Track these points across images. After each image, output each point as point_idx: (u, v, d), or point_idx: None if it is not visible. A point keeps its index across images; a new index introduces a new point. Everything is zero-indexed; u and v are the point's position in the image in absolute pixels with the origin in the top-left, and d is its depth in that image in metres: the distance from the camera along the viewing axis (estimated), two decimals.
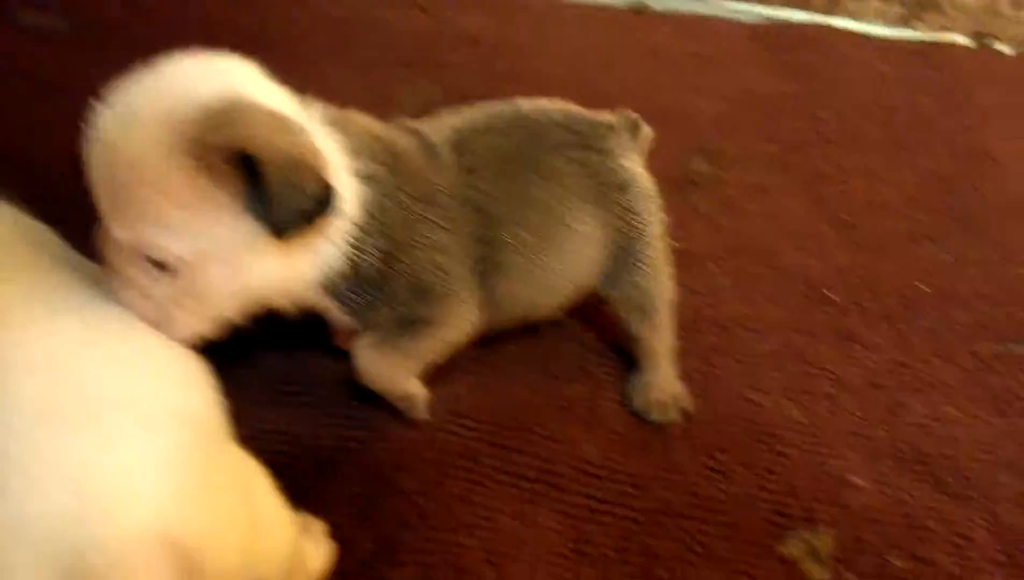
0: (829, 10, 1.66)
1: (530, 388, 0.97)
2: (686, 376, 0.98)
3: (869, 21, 1.65)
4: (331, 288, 0.79)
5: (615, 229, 0.90)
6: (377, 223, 0.78)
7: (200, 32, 1.46)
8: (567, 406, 0.96)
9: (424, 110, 1.32)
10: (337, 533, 0.85)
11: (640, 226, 0.91)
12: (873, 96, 1.47)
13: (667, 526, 0.87)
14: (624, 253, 0.91)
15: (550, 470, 0.92)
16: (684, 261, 1.13)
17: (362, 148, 0.79)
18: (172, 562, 0.56)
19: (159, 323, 0.70)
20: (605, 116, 0.92)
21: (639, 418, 0.95)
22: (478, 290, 0.86)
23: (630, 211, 0.90)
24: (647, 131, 0.93)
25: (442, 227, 0.83)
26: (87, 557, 0.54)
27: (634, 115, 0.93)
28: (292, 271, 0.75)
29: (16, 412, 0.58)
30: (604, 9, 1.52)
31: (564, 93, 1.33)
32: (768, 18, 1.61)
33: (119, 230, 0.68)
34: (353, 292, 0.80)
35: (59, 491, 0.55)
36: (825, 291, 1.12)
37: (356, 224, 0.77)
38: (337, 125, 0.78)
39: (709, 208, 1.20)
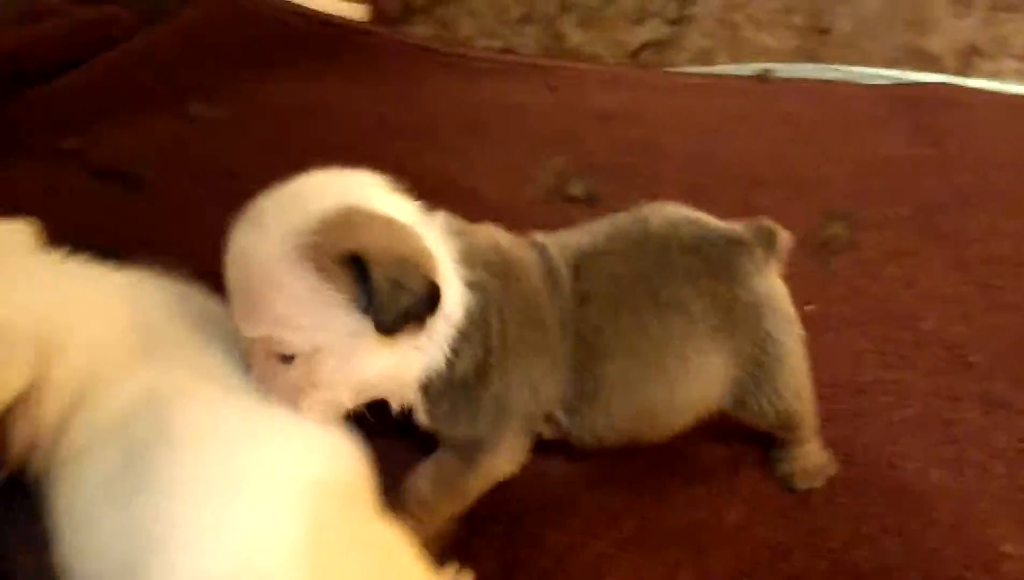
0: (961, 71, 1.64)
1: (671, 452, 0.99)
2: (828, 442, 0.98)
3: (1004, 80, 1.62)
4: (427, 388, 0.82)
5: (746, 356, 0.86)
6: (478, 333, 0.81)
7: (340, 117, 1.58)
8: (709, 471, 0.97)
9: (558, 184, 1.39)
10: None
11: (773, 349, 0.86)
12: (1012, 156, 1.44)
13: None
14: (756, 378, 0.87)
15: (693, 536, 0.94)
16: (822, 326, 1.13)
17: (477, 257, 0.81)
18: None
19: (296, 406, 0.78)
20: (739, 229, 0.87)
21: (783, 484, 0.96)
22: (566, 421, 0.86)
23: (762, 336, 0.86)
24: (785, 238, 0.88)
25: (544, 356, 0.84)
26: None
27: (768, 223, 0.88)
28: (397, 366, 0.79)
29: (182, 483, 0.69)
30: (730, 79, 1.55)
31: (694, 166, 1.38)
32: (898, 81, 1.60)
33: (248, 328, 0.76)
34: (445, 395, 0.83)
35: (218, 560, 0.66)
36: (968, 355, 1.10)
37: (459, 329, 0.80)
38: (457, 234, 0.81)
39: (847, 273, 1.20)
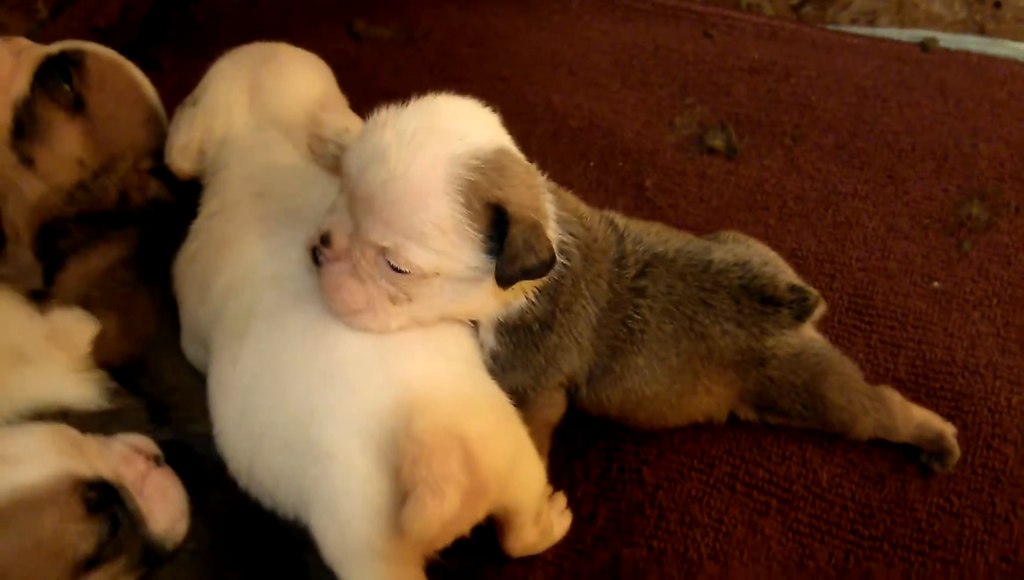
0: None
1: None
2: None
3: None
4: (500, 327, 0.90)
5: (750, 394, 0.98)
6: (553, 290, 0.88)
7: (496, 46, 1.63)
8: (807, 431, 1.01)
9: (699, 133, 1.40)
10: (578, 507, 0.98)
11: (775, 394, 0.97)
12: None
13: (890, 556, 0.91)
14: (763, 407, 0.99)
15: (783, 487, 0.99)
16: (945, 303, 1.14)
17: (566, 223, 0.89)
18: (459, 453, 0.74)
19: (359, 310, 0.83)
20: (784, 289, 0.94)
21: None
22: (583, 388, 0.96)
23: (764, 381, 0.96)
24: (821, 310, 0.96)
25: (593, 327, 0.92)
26: (400, 442, 0.74)
27: (813, 293, 0.95)
28: (488, 303, 0.87)
29: (355, 346, 0.82)
30: (891, 43, 1.51)
31: (841, 129, 1.37)
32: None
33: (376, 233, 0.79)
34: (511, 335, 0.90)
35: (385, 394, 0.78)
36: None
37: (541, 282, 0.87)
38: (552, 193, 0.88)
39: (979, 254, 1.19)
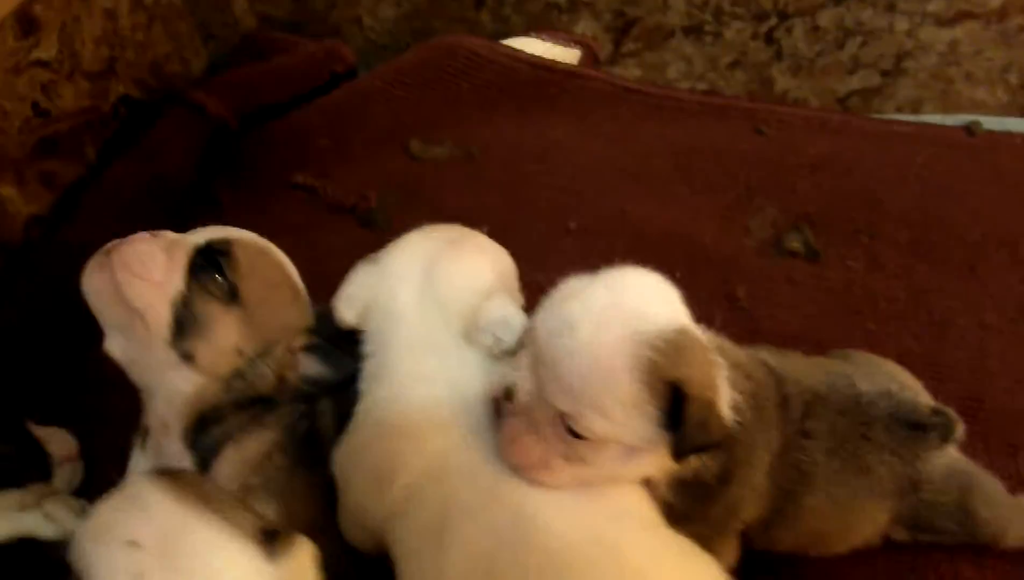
0: None
1: None
2: None
3: None
4: (675, 483, 0.94)
5: (905, 516, 1.02)
6: (728, 447, 0.92)
7: (559, 159, 1.66)
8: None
9: (775, 236, 1.46)
10: None
11: (929, 516, 1.02)
12: None
13: None
14: (917, 528, 1.03)
15: None
16: None
17: (736, 381, 0.93)
18: None
19: (532, 465, 0.89)
20: (927, 413, 1.00)
21: None
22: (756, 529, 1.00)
23: (920, 504, 1.01)
24: (961, 430, 1.01)
25: (767, 474, 0.96)
26: None
27: (950, 414, 1.01)
28: (660, 469, 0.91)
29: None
30: (937, 128, 1.58)
31: (913, 221, 1.43)
32: None
33: (558, 399, 0.85)
34: (686, 493, 0.94)
35: None
36: None
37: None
38: (720, 353, 0.92)
39: None
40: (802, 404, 0.98)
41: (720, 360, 0.91)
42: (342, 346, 1.10)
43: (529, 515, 0.87)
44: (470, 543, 0.88)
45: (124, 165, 1.69)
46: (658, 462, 0.90)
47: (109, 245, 1.08)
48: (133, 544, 0.81)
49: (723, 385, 0.90)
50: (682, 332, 0.87)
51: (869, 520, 1.01)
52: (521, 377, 0.89)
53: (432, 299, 1.04)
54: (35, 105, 1.64)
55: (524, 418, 0.89)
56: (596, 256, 1.19)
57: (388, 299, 1.05)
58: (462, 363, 1.02)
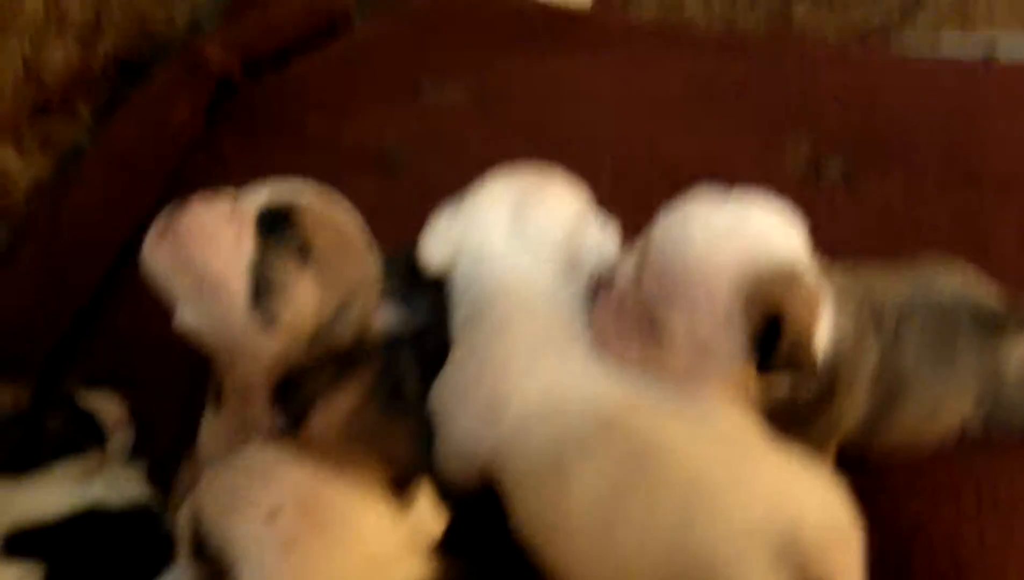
0: None
1: None
2: None
3: None
4: (766, 405, 0.95)
5: (982, 412, 1.04)
6: (828, 373, 0.95)
7: (582, 95, 1.63)
8: None
9: (812, 164, 1.46)
10: None
11: (1006, 409, 1.04)
12: None
13: None
14: (992, 424, 1.06)
15: None
16: None
17: (840, 307, 0.95)
18: (847, 540, 0.85)
19: (610, 345, 0.94)
20: (1000, 307, 1.04)
21: None
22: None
23: (999, 399, 1.04)
24: None
25: (867, 390, 0.98)
26: (795, 546, 0.81)
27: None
28: (726, 384, 0.93)
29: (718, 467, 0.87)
30: (955, 62, 1.60)
31: (943, 149, 1.44)
32: None
33: (651, 295, 0.89)
34: (782, 412, 0.96)
35: (764, 504, 0.84)
36: None
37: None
38: (825, 278, 0.94)
39: None
40: (895, 315, 1.00)
41: (825, 295, 0.92)
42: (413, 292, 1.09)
43: (657, 443, 0.88)
44: (593, 475, 0.88)
45: (124, 124, 1.61)
46: (724, 378, 0.92)
47: (166, 215, 1.02)
48: (275, 514, 0.79)
49: (824, 321, 0.92)
50: (796, 268, 0.88)
51: (956, 416, 1.04)
52: (625, 265, 0.94)
53: (524, 239, 1.04)
54: (25, 63, 1.54)
55: (617, 302, 0.94)
56: (632, 194, 1.19)
57: (479, 243, 1.04)
58: (562, 298, 1.01)
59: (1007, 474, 1.08)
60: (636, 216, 1.05)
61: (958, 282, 1.07)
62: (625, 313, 0.93)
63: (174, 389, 1.25)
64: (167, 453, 1.17)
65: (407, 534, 0.85)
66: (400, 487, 0.86)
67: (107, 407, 1.16)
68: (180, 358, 1.20)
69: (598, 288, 0.99)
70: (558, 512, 0.89)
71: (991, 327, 1.02)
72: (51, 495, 1.07)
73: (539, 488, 0.91)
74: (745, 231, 0.88)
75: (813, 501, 0.85)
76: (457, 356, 1.01)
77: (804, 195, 1.39)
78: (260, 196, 1.05)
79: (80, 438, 1.11)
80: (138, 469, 1.17)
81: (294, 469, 0.83)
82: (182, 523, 0.87)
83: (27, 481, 1.07)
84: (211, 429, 1.11)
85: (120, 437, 1.15)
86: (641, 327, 0.92)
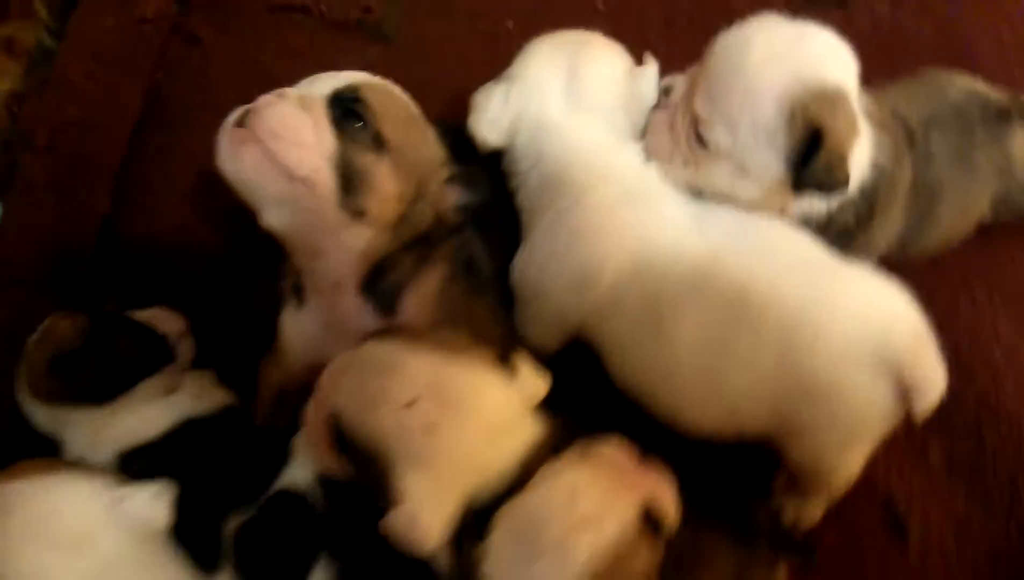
0: None
1: None
2: None
3: None
4: (819, 225, 1.03)
5: (999, 197, 1.13)
6: (868, 196, 1.02)
7: None
8: None
9: None
10: None
11: (1016, 195, 1.14)
12: None
13: None
14: (1002, 210, 1.15)
15: None
16: None
17: (880, 134, 1.01)
18: (929, 342, 0.93)
19: (658, 153, 1.02)
20: (1003, 99, 1.12)
21: None
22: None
23: (1011, 186, 1.13)
24: None
25: (904, 206, 1.06)
26: (889, 352, 0.90)
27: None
28: (763, 200, 1.00)
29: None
30: None
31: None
32: None
33: (699, 103, 0.96)
34: (830, 234, 1.02)
35: (859, 319, 0.92)
36: None
37: (853, 192, 1.00)
38: (866, 110, 1.00)
39: None
40: (923, 132, 1.07)
41: (866, 125, 0.99)
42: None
43: (747, 286, 0.94)
44: (694, 327, 0.95)
45: (92, 17, 1.52)
46: (760, 194, 0.99)
47: (235, 115, 1.00)
48: (412, 404, 0.84)
49: (863, 145, 0.99)
50: (842, 91, 0.94)
51: (979, 210, 1.14)
52: (681, 80, 1.01)
53: (583, 103, 1.05)
54: None
55: (668, 115, 1.01)
56: (630, 32, 1.21)
57: (538, 112, 1.05)
58: (630, 154, 1.05)
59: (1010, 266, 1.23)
60: None
61: (962, 84, 1.14)
62: (676, 129, 0.99)
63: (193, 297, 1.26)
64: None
65: (519, 401, 0.91)
66: (503, 359, 0.91)
67: (164, 320, 1.15)
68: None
69: (655, 107, 1.04)
70: (665, 363, 0.97)
71: (999, 118, 1.11)
72: (147, 417, 1.08)
73: (643, 344, 0.98)
74: (802, 51, 0.94)
75: (897, 309, 0.93)
76: (541, 227, 1.04)
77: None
78: (322, 86, 1.03)
79: (152, 357, 1.11)
80: (208, 375, 1.18)
81: (418, 358, 0.87)
82: (312, 421, 0.91)
83: (120, 408, 1.07)
84: (296, 327, 1.12)
85: (185, 349, 1.15)
86: (689, 141, 0.98)
